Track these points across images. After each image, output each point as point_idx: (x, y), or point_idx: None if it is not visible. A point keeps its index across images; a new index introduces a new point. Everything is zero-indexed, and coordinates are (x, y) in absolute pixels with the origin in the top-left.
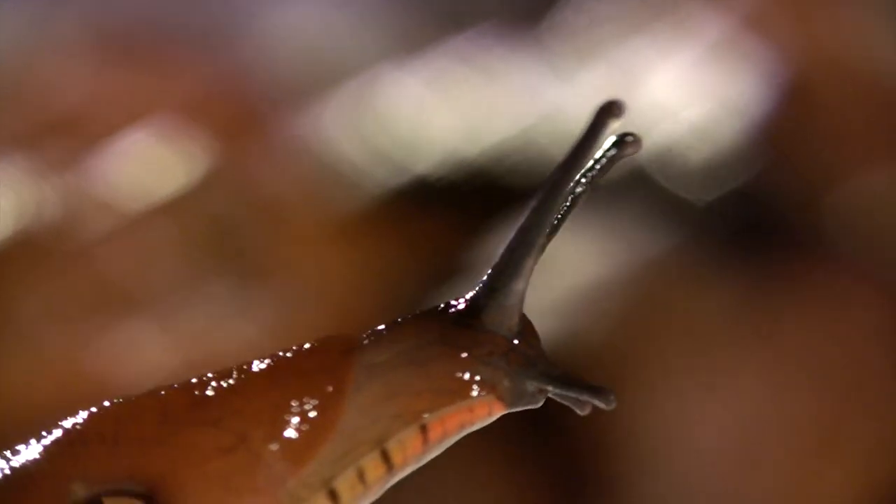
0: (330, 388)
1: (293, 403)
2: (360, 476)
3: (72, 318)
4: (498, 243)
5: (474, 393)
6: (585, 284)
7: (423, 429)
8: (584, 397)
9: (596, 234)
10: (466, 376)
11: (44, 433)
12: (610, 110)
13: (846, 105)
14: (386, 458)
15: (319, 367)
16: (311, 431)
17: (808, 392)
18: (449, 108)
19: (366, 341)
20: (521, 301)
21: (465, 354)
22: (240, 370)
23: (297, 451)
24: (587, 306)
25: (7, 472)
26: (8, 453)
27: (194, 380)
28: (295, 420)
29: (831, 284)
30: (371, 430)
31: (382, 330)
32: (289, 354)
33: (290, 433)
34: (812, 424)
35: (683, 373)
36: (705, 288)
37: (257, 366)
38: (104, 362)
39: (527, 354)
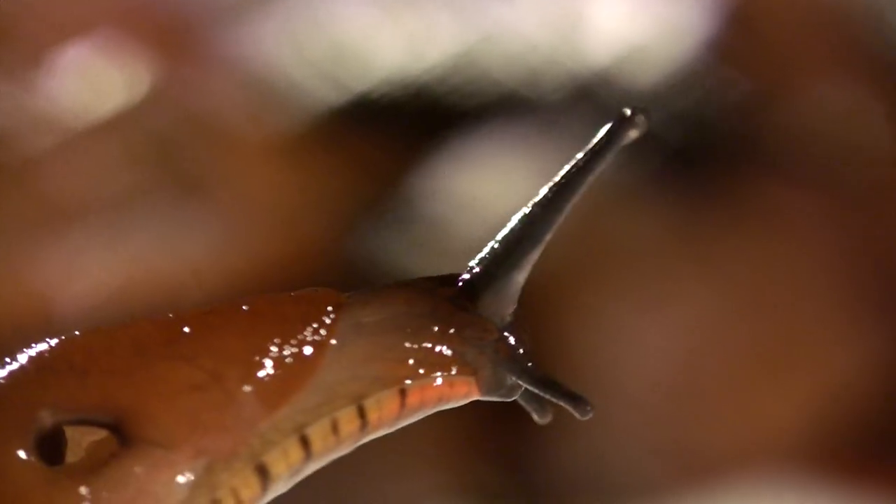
0: (311, 338)
1: (272, 348)
2: (334, 428)
3: (13, 234)
4: (440, 163)
5: (454, 371)
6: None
7: (403, 393)
8: (562, 402)
9: (539, 154)
10: (452, 354)
11: (8, 359)
12: (631, 121)
13: (788, 24)
14: (362, 414)
15: (302, 317)
16: (287, 377)
17: (749, 314)
18: (392, 26)
19: (353, 300)
20: (518, 292)
21: (453, 332)
22: (219, 310)
23: (270, 395)
24: None
25: None
26: None
27: (171, 315)
28: (271, 365)
29: (773, 206)
30: (350, 386)
31: (372, 291)
32: (272, 300)
33: (265, 377)
34: (753, 347)
35: (624, 297)
36: (646, 210)
37: (238, 307)
38: (47, 279)
39: (514, 347)
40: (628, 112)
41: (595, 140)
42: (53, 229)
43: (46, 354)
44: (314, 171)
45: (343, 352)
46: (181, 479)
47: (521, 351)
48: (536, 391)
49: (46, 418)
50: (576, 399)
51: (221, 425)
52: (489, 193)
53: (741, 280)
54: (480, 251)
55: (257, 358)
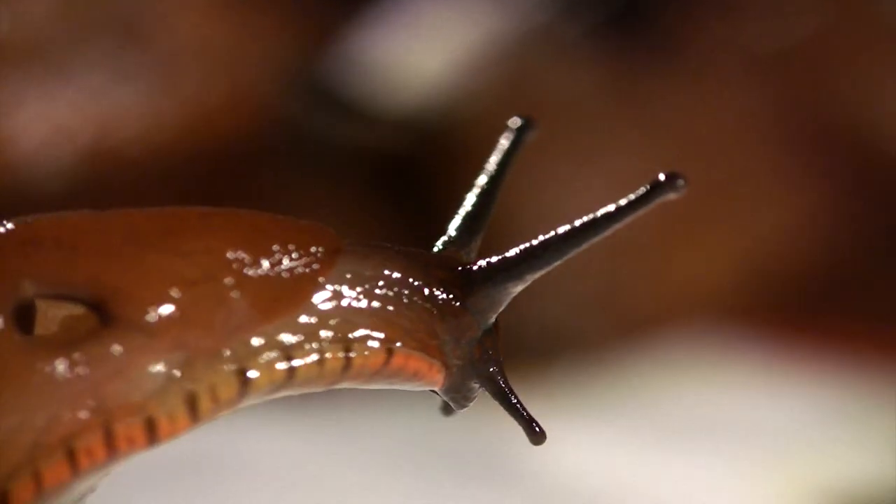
0: (305, 268)
1: (267, 264)
2: (320, 361)
3: None
4: (374, 18)
5: (433, 355)
6: (463, 56)
7: (389, 352)
8: (517, 422)
9: (476, 5)
10: (435, 341)
11: None
12: (672, 185)
13: None
14: (348, 358)
15: (302, 245)
16: (279, 296)
17: (681, 168)
18: None
19: (353, 249)
20: (508, 300)
21: (441, 317)
22: (220, 214)
23: (261, 308)
24: (463, 79)
25: None
26: None
27: (169, 210)
28: (265, 279)
29: (704, 60)
30: (341, 327)
31: (371, 247)
32: (275, 220)
33: (258, 289)
34: (685, 202)
35: (559, 149)
36: (582, 63)
37: (240, 217)
38: None
39: (488, 353)
40: (664, 177)
41: (634, 195)
42: None
43: (30, 229)
44: (252, 19)
45: (336, 292)
46: (158, 366)
47: (494, 359)
48: (497, 401)
49: (28, 289)
50: (531, 424)
51: (208, 324)
52: (427, 41)
53: (674, 133)
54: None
55: (252, 270)
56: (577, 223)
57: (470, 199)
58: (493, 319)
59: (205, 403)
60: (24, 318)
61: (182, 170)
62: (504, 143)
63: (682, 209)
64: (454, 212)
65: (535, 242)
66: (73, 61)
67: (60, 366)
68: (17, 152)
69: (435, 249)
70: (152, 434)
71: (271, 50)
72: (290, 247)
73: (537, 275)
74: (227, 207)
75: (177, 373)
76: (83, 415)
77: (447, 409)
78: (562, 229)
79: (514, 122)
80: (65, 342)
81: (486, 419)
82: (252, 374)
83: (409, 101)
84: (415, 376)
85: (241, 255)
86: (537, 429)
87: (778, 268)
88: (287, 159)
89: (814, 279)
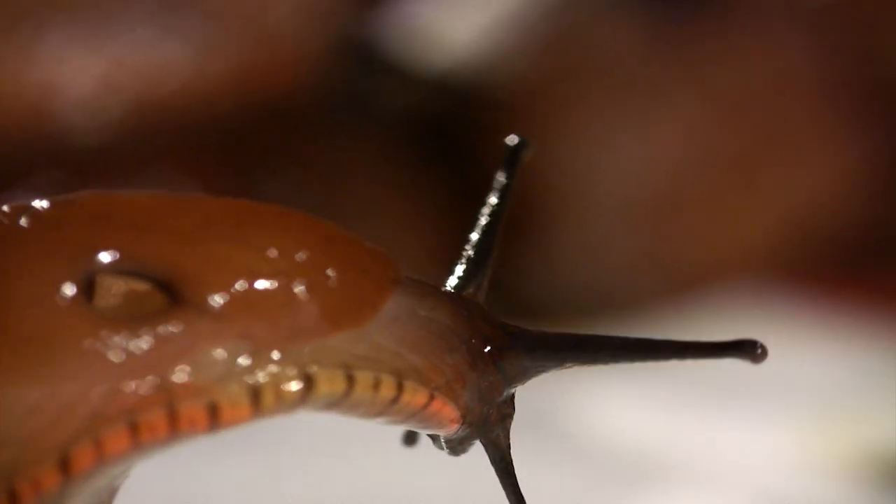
0: (373, 291)
1: (337, 278)
2: (376, 384)
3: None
4: None
5: (461, 406)
6: (506, 15)
7: (432, 397)
8: (508, 498)
9: None
10: (467, 391)
11: (64, 203)
12: (753, 355)
13: None
14: (400, 389)
15: (370, 266)
16: (346, 310)
17: (731, 126)
18: None
19: (410, 285)
20: (536, 377)
21: (475, 373)
22: (294, 215)
23: (328, 317)
24: (506, 40)
25: (29, 227)
26: (35, 207)
27: (244, 202)
28: (334, 291)
29: (750, 17)
30: (395, 360)
31: (425, 287)
32: (346, 236)
33: (326, 298)
34: (734, 159)
35: (606, 110)
36: (623, 22)
37: (312, 221)
38: (39, 73)
39: (503, 420)
40: (744, 343)
41: (706, 344)
42: (41, 23)
43: (104, 203)
44: None
45: (394, 325)
46: (224, 353)
47: (504, 427)
48: (494, 470)
49: (96, 262)
50: (518, 501)
51: (275, 320)
52: (464, 11)
53: (720, 91)
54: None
55: (322, 278)
56: (639, 340)
57: (474, 236)
58: (515, 389)
59: (268, 398)
60: (90, 289)
61: (225, 126)
62: (500, 178)
63: (728, 168)
64: (495, 171)
65: (589, 337)
66: (121, 15)
67: (125, 339)
68: (64, 104)
69: (449, 284)
70: (214, 419)
71: (317, 9)
72: (359, 266)
73: (578, 366)
74: (300, 211)
75: (242, 362)
76: (146, 390)
77: (410, 440)
78: (621, 338)
79: (512, 139)
80: (130, 317)
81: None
82: (316, 381)
83: (452, 61)
84: (439, 424)
85: (313, 261)
86: None
87: (823, 225)
88: (330, 117)
89: (858, 237)
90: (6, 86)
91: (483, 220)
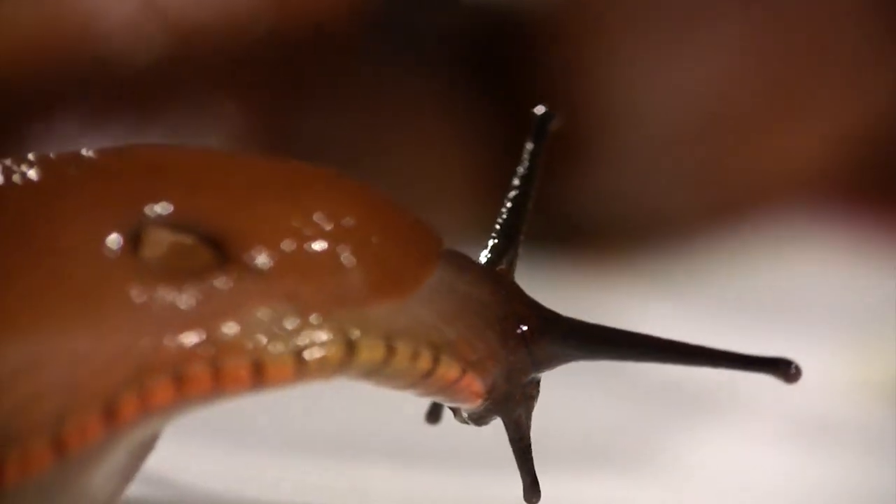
0: (418, 265)
1: (384, 248)
2: (414, 356)
3: None
4: None
5: (488, 383)
6: None
7: (464, 372)
8: (520, 472)
9: None
10: (496, 369)
11: (117, 153)
12: (787, 374)
13: None
14: (436, 362)
15: (417, 240)
16: (391, 280)
17: (779, 46)
18: None
19: (451, 258)
20: (564, 365)
21: (506, 353)
22: (346, 183)
23: (373, 285)
24: None
25: (80, 175)
26: (87, 156)
27: (296, 164)
28: (381, 260)
29: None
30: (433, 333)
31: (465, 261)
32: (392, 204)
33: (372, 266)
34: (782, 79)
35: (651, 31)
36: None
37: (364, 193)
38: (72, 1)
39: (527, 401)
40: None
41: (741, 356)
42: None
43: (157, 156)
44: None
45: (434, 299)
46: (270, 313)
47: (528, 409)
48: (512, 448)
49: (148, 214)
50: (532, 482)
51: (322, 284)
52: None
53: (772, 10)
54: None
55: (369, 247)
56: (672, 343)
57: (505, 209)
58: (542, 374)
59: (312, 361)
60: (137, 241)
61: (268, 49)
62: (528, 148)
63: (775, 87)
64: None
65: (622, 333)
66: None
67: (173, 293)
68: (107, 25)
69: (482, 259)
70: (258, 378)
71: None
72: (406, 237)
73: (608, 360)
74: (348, 175)
75: (287, 324)
76: (192, 345)
77: (433, 417)
78: (655, 339)
79: (539, 110)
80: (178, 272)
81: (559, 286)
82: (358, 347)
83: None
84: (465, 399)
85: (361, 228)
86: (536, 490)
87: (871, 147)
88: (375, 43)
89: None
90: (49, 9)
91: (513, 194)
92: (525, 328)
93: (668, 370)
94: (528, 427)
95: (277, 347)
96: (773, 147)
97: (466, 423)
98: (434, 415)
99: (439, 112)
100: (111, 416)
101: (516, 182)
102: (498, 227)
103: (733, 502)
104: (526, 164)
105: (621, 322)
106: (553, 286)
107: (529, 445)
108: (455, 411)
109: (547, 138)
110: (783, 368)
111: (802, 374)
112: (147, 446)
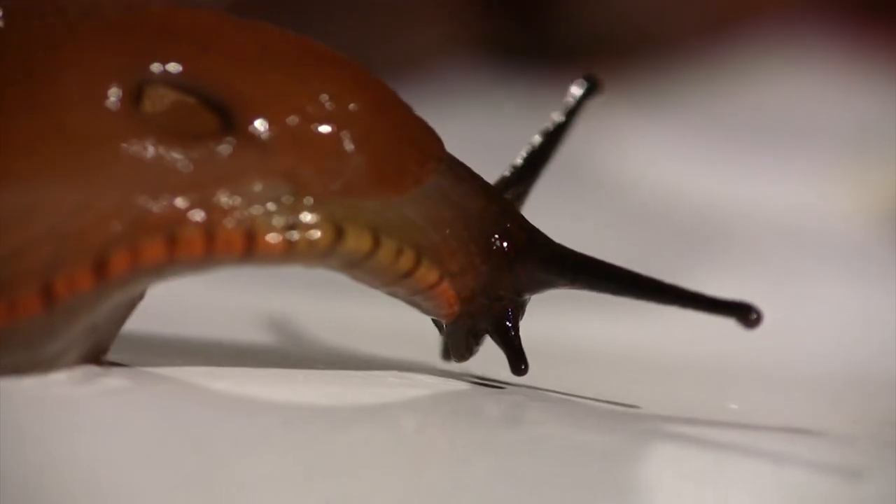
0: (418, 165)
1: (387, 141)
2: (398, 253)
3: None
4: None
5: (465, 295)
6: None
7: (440, 279)
8: (506, 355)
9: None
10: (475, 283)
11: (130, 5)
12: (747, 320)
13: None
14: (417, 263)
15: (419, 140)
16: (390, 176)
17: None
18: None
19: (450, 166)
20: (543, 292)
21: (489, 268)
22: (354, 68)
23: (371, 177)
24: None
25: (92, 26)
26: (101, 7)
27: (306, 41)
28: (382, 153)
29: None
30: (419, 235)
31: (464, 171)
32: (400, 103)
33: (372, 158)
34: None
35: None
36: None
37: (370, 82)
38: None
39: (507, 318)
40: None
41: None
42: None
43: (169, 16)
44: None
45: (426, 202)
46: (267, 187)
47: (509, 325)
48: (498, 338)
49: (154, 71)
50: (518, 357)
51: (321, 167)
52: None
53: None
54: None
55: (373, 137)
56: (648, 280)
57: (523, 157)
58: (525, 297)
59: (301, 240)
60: (140, 95)
61: None
62: (562, 117)
63: None
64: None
65: (603, 266)
66: None
67: (173, 153)
68: None
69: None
70: (249, 247)
71: None
72: (409, 134)
73: (586, 290)
74: (361, 65)
75: (283, 200)
76: (187, 207)
77: (447, 354)
78: (632, 274)
79: (581, 83)
80: (180, 133)
81: (544, 104)
82: (346, 234)
83: None
84: (438, 306)
85: (366, 117)
86: (522, 363)
87: None
88: None
89: None
90: None
91: (534, 149)
92: (509, 246)
93: (665, 202)
94: (516, 320)
95: (270, 222)
96: None
97: (454, 355)
98: (448, 353)
99: (462, 34)
100: (101, 269)
101: (540, 139)
102: (513, 168)
103: (728, 333)
104: (556, 126)
105: (605, 140)
106: (538, 104)
107: (517, 331)
108: (445, 353)
109: (581, 111)
110: (744, 313)
111: (763, 320)
112: (132, 305)
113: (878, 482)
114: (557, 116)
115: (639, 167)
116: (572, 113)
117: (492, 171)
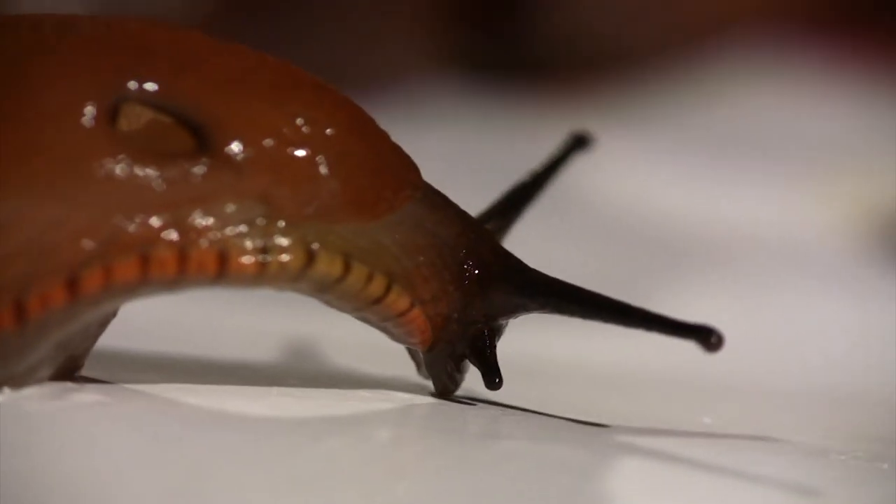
0: (392, 192)
1: (362, 167)
2: (369, 279)
3: None
4: None
5: (437, 323)
6: None
7: (411, 306)
8: (481, 371)
9: None
10: (448, 310)
11: (104, 24)
12: (708, 343)
13: None
14: (388, 290)
15: (395, 168)
16: (364, 201)
17: None
18: None
19: (426, 195)
20: (517, 317)
21: (461, 295)
22: (333, 95)
23: (344, 201)
24: None
25: (68, 41)
26: (78, 23)
27: (285, 65)
28: (357, 179)
29: None
30: (392, 262)
31: (439, 199)
32: (378, 132)
33: (347, 183)
34: None
35: None
36: None
37: (348, 108)
38: None
39: (481, 342)
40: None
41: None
42: None
43: (148, 34)
44: None
45: (399, 229)
46: (240, 208)
47: (486, 343)
48: (475, 359)
49: (131, 89)
50: (492, 372)
51: (295, 190)
52: None
53: None
54: None
55: (347, 163)
56: (614, 303)
57: (509, 192)
58: (501, 322)
59: (274, 263)
60: (116, 114)
61: None
62: (551, 164)
63: None
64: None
65: (572, 289)
66: None
67: (147, 173)
68: None
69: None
70: (222, 268)
71: None
72: (384, 161)
73: (552, 314)
74: (336, 90)
75: (256, 222)
76: (160, 225)
77: (436, 390)
78: (600, 298)
79: (574, 134)
80: (155, 153)
81: (516, 117)
82: (318, 258)
83: None
84: (409, 333)
85: (342, 142)
86: (496, 379)
87: None
88: None
89: None
90: None
91: (522, 186)
92: (482, 272)
93: (636, 216)
94: (492, 337)
95: (244, 243)
96: None
97: (436, 387)
98: (437, 389)
99: (424, 45)
100: (74, 287)
101: (529, 179)
102: (497, 201)
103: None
104: (545, 170)
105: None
106: (510, 117)
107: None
108: (423, 369)
109: (569, 160)
110: (705, 336)
111: (724, 343)
112: (105, 322)
113: (849, 496)
114: (545, 163)
115: (608, 182)
116: (560, 162)
117: (463, 183)
